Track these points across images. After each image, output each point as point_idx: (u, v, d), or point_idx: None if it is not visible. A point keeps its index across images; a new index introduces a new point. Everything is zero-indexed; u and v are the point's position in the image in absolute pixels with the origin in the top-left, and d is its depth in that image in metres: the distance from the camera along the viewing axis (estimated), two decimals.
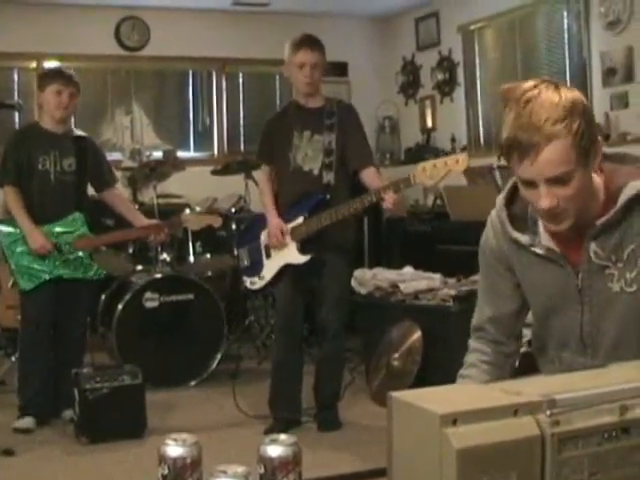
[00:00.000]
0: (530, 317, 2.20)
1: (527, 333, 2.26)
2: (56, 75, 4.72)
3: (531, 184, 1.83)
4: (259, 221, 4.66)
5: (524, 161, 1.79)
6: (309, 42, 4.35)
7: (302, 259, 4.32)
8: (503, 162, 2.15)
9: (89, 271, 4.71)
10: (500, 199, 2.08)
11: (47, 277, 4.58)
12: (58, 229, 4.61)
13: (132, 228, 4.93)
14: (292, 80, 4.44)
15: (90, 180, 4.84)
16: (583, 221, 1.90)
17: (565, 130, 1.76)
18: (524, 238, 2.01)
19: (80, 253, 4.67)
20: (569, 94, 1.80)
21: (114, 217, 5.37)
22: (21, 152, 4.61)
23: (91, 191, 4.96)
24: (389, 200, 3.90)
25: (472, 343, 2.23)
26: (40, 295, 4.57)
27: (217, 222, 5.25)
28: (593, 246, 1.93)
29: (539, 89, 1.80)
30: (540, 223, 2.00)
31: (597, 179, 1.93)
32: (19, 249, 4.58)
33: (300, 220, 4.31)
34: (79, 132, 4.89)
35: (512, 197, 2.06)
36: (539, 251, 2.00)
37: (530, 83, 1.83)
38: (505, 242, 2.07)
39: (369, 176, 4.33)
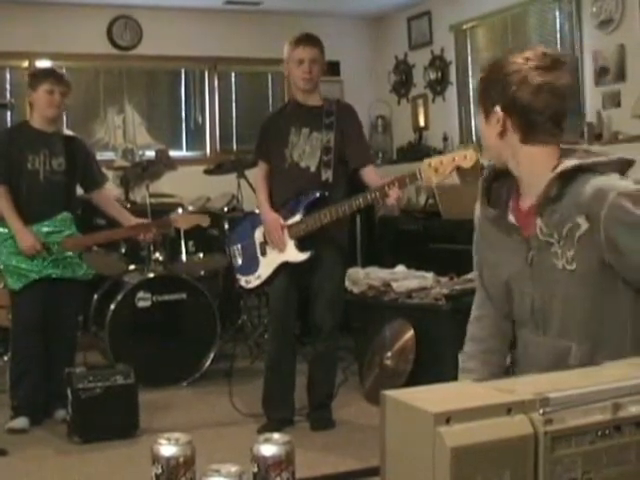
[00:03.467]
0: None
1: None
2: (48, 74, 4.71)
3: None
4: (249, 219, 4.65)
5: None
6: (308, 39, 4.37)
7: (301, 257, 4.31)
8: None
9: (78, 271, 4.70)
10: (485, 173, 2.20)
11: (35, 277, 4.56)
12: (47, 229, 4.60)
13: (120, 227, 4.93)
14: (291, 77, 4.44)
15: (79, 180, 4.83)
16: (536, 196, 2.00)
17: (483, 76, 2.12)
18: (492, 212, 2.13)
19: (69, 253, 4.66)
20: (513, 65, 2.01)
21: (106, 217, 5.37)
22: (11, 151, 4.59)
23: (81, 191, 4.96)
24: (393, 196, 3.89)
25: (470, 327, 2.28)
26: (30, 295, 4.56)
27: (205, 222, 5.25)
28: (539, 222, 2.01)
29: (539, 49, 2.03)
30: (511, 201, 2.11)
31: (545, 157, 2.01)
32: (7, 249, 4.57)
33: (297, 217, 4.29)
34: (68, 132, 4.88)
35: (495, 174, 2.17)
36: (502, 225, 2.10)
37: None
38: (482, 216, 2.18)
39: (370, 174, 4.33)
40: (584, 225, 1.92)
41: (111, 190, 5.14)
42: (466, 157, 3.57)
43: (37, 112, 4.67)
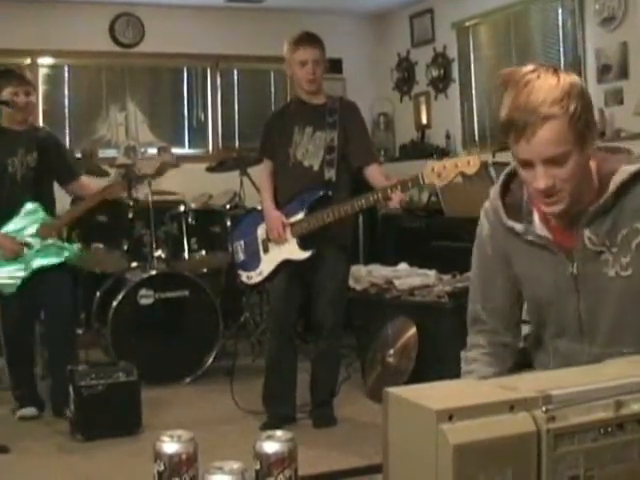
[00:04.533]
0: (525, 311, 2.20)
1: (524, 328, 2.26)
2: (9, 77, 4.65)
3: (528, 164, 1.86)
4: (253, 215, 4.65)
5: (521, 141, 1.82)
6: (309, 39, 4.35)
7: (303, 255, 4.30)
8: (498, 159, 2.17)
9: (65, 253, 4.64)
10: (495, 189, 2.10)
11: (25, 274, 4.53)
12: (18, 226, 4.56)
13: (86, 199, 4.86)
14: (294, 78, 4.43)
15: (56, 173, 4.78)
16: (577, 207, 1.92)
17: (562, 111, 1.79)
18: (518, 226, 2.03)
19: (50, 240, 4.62)
20: (567, 77, 1.83)
21: (106, 213, 5.37)
22: None
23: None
24: (396, 199, 3.88)
25: (470, 338, 2.22)
26: (19, 295, 4.53)
27: (172, 160, 5.35)
28: (587, 232, 1.95)
29: (538, 72, 1.84)
30: (535, 212, 2.02)
31: (591, 165, 1.94)
32: None
33: (300, 216, 4.29)
34: (37, 124, 4.80)
35: (506, 188, 2.08)
36: (533, 239, 2.01)
37: (530, 67, 1.86)
38: (500, 231, 2.08)
39: (373, 173, 4.32)
40: None
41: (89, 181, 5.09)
42: (469, 163, 3.54)
43: (5, 114, 4.63)
